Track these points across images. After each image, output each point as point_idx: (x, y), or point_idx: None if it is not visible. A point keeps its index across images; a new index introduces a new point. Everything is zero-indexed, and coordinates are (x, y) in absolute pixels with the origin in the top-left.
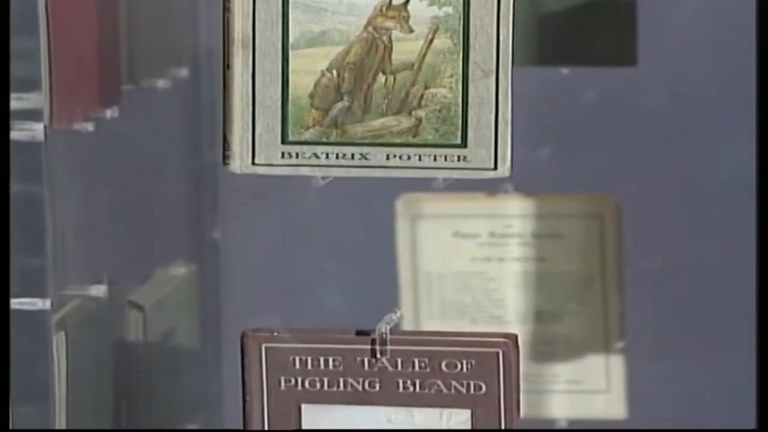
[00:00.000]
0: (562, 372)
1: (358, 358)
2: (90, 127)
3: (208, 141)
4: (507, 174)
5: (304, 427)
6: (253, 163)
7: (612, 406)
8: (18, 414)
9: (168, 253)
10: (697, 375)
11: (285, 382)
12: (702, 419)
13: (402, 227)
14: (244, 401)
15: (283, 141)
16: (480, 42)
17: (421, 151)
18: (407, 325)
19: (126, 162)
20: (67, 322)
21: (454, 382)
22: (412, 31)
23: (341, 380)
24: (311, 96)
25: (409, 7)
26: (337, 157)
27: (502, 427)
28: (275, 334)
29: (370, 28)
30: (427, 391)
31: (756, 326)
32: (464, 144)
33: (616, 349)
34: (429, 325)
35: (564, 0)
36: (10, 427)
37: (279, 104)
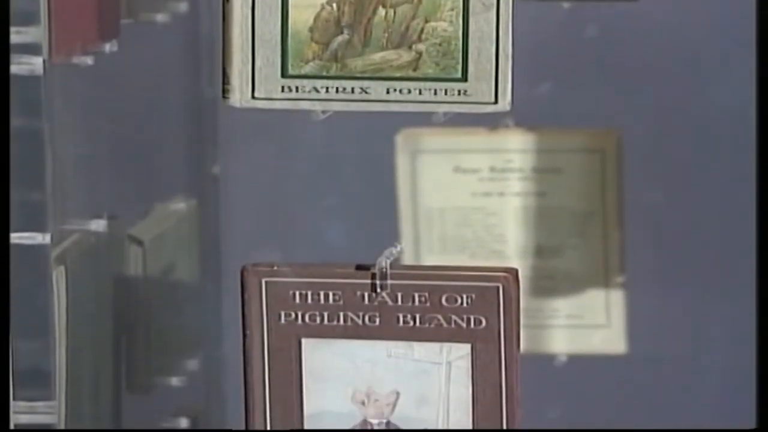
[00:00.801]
0: (562, 307)
1: (358, 293)
2: (89, 61)
3: (207, 75)
4: (508, 108)
5: (304, 360)
6: (253, 97)
7: (612, 340)
8: (18, 349)
9: (168, 188)
10: (697, 309)
11: (285, 316)
12: (702, 353)
13: (402, 162)
14: (244, 335)
15: (283, 75)
16: None
17: (422, 85)
18: (407, 260)
19: (125, 96)
20: (66, 256)
21: (454, 317)
22: None
23: (341, 314)
24: (311, 29)
25: None
26: (337, 91)
27: (502, 360)
28: (275, 268)
29: None
30: (427, 325)
31: (756, 327)
32: (465, 78)
33: (617, 284)
34: (429, 260)
35: None
36: (11, 372)
37: (278, 38)
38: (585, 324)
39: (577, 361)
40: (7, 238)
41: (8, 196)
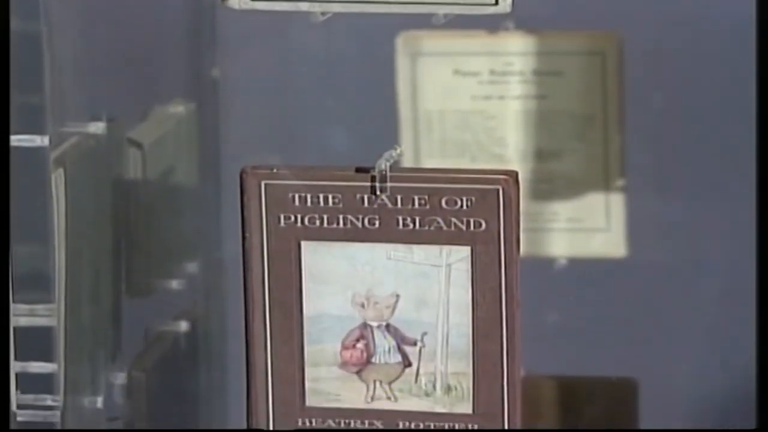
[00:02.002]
0: (561, 210)
1: (358, 195)
2: None
3: None
4: (508, 10)
5: (303, 263)
6: None
7: (611, 244)
8: (18, 252)
9: (167, 90)
10: (697, 212)
11: (284, 219)
12: (701, 257)
13: (402, 65)
14: (244, 238)
15: None
16: None
17: None
18: (407, 164)
19: None
20: (65, 158)
21: (453, 219)
22: None
23: (341, 217)
24: None
25: None
26: None
27: (502, 263)
28: (275, 171)
29: None
30: (426, 228)
31: (756, 328)
32: None
33: (617, 187)
34: (429, 164)
35: None
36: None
37: None
38: (585, 227)
39: (576, 264)
40: (7, 141)
41: (8, 99)
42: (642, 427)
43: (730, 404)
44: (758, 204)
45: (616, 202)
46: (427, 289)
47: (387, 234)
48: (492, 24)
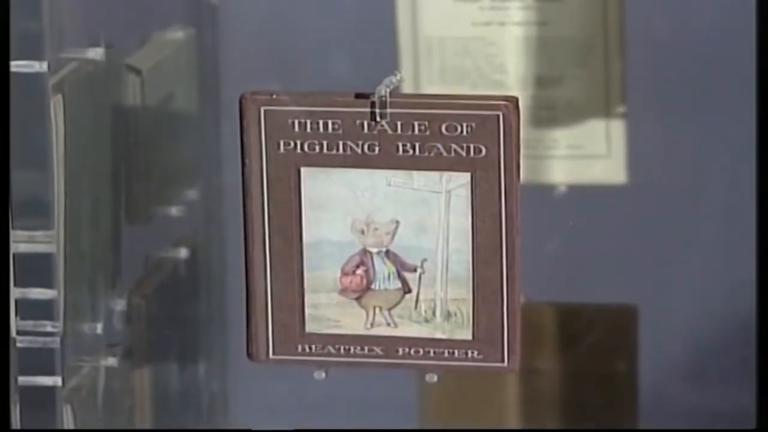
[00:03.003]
0: (562, 137)
1: (358, 121)
2: None
3: None
4: None
5: (303, 189)
6: None
7: (612, 170)
8: (17, 178)
9: (166, 16)
10: (697, 138)
11: (284, 145)
12: (702, 182)
13: None
14: (243, 165)
15: None
16: None
17: None
18: (407, 91)
19: None
20: (64, 84)
21: (453, 145)
22: None
23: (340, 143)
24: None
25: None
26: None
27: (502, 189)
28: (274, 96)
29: None
30: (426, 154)
31: (756, 327)
32: None
33: (617, 114)
34: (429, 91)
35: None
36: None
37: None
38: (585, 154)
39: (576, 191)
40: (7, 66)
41: (8, 26)
42: (641, 352)
43: (730, 331)
44: (758, 204)
45: (617, 128)
46: (426, 215)
47: (387, 160)
48: None
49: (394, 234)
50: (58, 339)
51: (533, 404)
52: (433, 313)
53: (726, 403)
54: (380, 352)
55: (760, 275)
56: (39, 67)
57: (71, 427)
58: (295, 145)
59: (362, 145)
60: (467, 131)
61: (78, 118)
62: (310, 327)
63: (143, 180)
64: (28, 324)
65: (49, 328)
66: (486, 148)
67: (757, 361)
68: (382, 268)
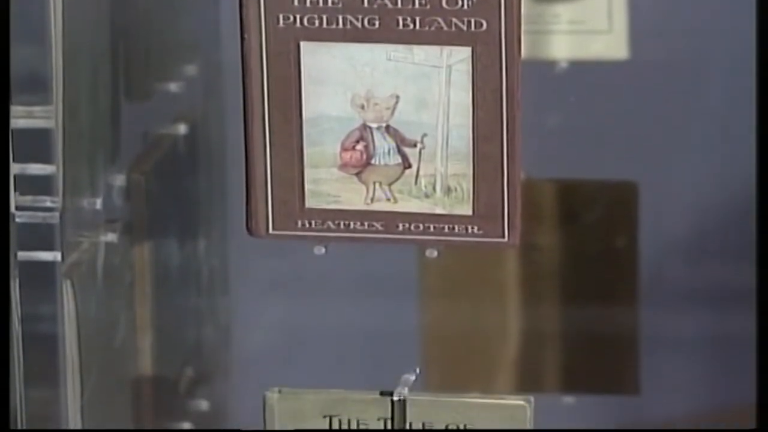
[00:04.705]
0: (563, 12)
1: None
2: None
3: None
4: None
5: (302, 64)
6: None
7: (613, 46)
8: (15, 53)
9: None
10: (698, 14)
11: (283, 19)
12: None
13: None
14: (242, 40)
15: None
16: None
17: None
18: None
19: None
20: None
21: (454, 19)
22: None
23: (340, 17)
24: None
25: None
26: None
27: (503, 64)
28: None
29: None
30: (427, 28)
31: (756, 327)
32: None
33: None
34: None
35: None
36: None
37: None
38: (586, 29)
39: (577, 67)
40: None
41: None
42: (641, 228)
43: (730, 206)
44: (758, 205)
45: (618, 3)
46: (427, 90)
47: (387, 34)
48: None
49: (394, 109)
50: (57, 214)
51: (533, 281)
52: (434, 189)
53: (725, 279)
54: (380, 228)
55: (760, 275)
56: None
57: (71, 302)
58: (295, 19)
59: (362, 19)
60: (468, 5)
61: None
62: (310, 202)
63: (142, 55)
64: (27, 199)
65: (48, 204)
66: (487, 22)
67: (757, 361)
68: (382, 143)
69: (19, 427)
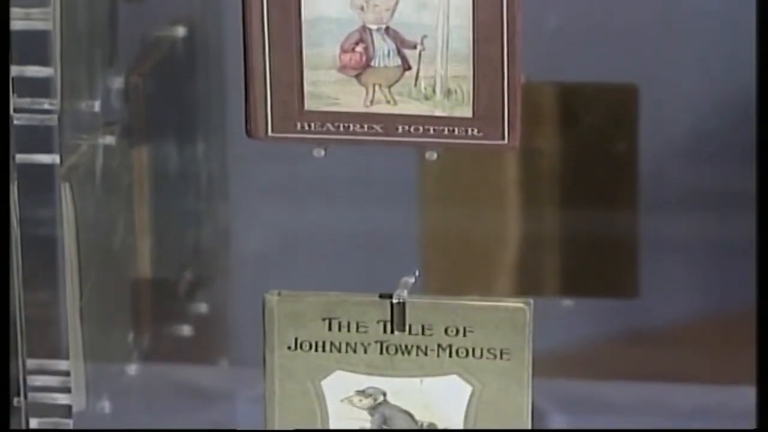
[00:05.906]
0: None
1: None
2: None
3: None
4: None
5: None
6: None
7: None
8: None
9: None
10: None
11: None
12: None
13: None
14: None
15: None
16: None
17: None
18: None
19: None
20: None
21: None
22: None
23: None
24: None
25: None
26: None
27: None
28: None
29: None
30: None
31: (756, 327)
32: None
33: None
34: None
35: None
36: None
37: None
38: None
39: None
40: None
41: None
42: (641, 131)
43: (730, 109)
44: (758, 205)
45: None
46: None
47: None
48: None
49: (394, 10)
50: (55, 116)
51: (532, 183)
52: (433, 91)
53: (725, 182)
54: (380, 130)
55: (760, 275)
56: None
57: (69, 205)
58: None
59: None
60: None
61: None
62: (309, 104)
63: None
64: (25, 101)
65: (46, 106)
66: None
67: (757, 361)
68: (382, 45)
69: (18, 329)
